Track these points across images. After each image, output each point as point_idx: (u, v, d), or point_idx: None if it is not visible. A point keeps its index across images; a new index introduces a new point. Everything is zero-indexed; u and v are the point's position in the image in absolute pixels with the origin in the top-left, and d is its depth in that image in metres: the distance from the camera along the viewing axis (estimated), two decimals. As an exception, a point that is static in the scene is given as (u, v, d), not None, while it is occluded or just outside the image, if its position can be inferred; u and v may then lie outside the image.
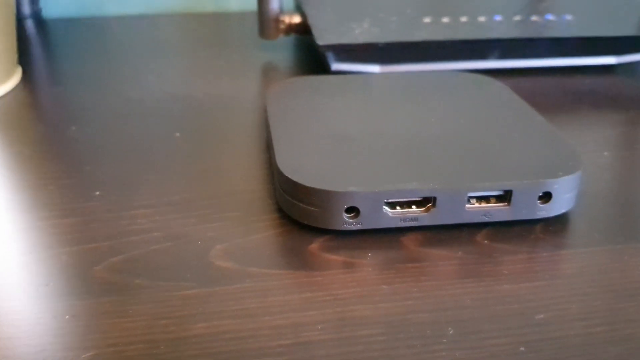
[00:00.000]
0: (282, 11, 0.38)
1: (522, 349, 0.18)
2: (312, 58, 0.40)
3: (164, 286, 0.20)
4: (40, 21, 0.48)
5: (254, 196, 0.25)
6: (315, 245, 0.22)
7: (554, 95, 0.35)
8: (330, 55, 0.35)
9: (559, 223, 0.23)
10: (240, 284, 0.20)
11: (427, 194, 0.22)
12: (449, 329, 0.19)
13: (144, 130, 0.30)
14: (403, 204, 0.22)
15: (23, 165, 0.27)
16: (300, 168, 0.23)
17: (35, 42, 0.44)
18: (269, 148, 0.28)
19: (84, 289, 0.20)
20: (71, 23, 0.47)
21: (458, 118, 0.26)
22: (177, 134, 0.30)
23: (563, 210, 0.23)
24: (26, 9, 0.47)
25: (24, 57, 0.40)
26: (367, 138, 0.25)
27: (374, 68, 0.35)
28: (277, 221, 0.24)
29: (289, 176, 0.22)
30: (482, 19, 0.38)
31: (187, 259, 0.21)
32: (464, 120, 0.26)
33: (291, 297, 0.20)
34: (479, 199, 0.22)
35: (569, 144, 0.25)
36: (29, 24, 0.47)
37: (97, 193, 0.25)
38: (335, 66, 0.35)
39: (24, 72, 0.38)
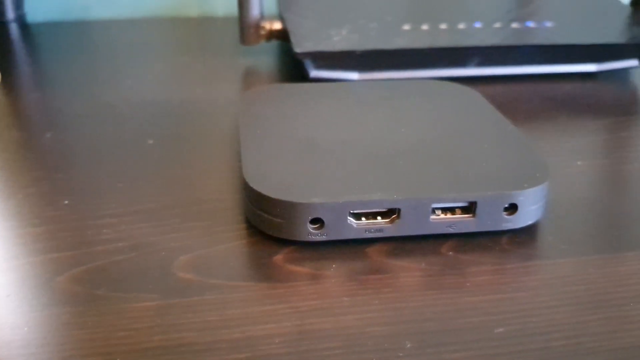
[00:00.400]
0: (262, 17, 0.38)
1: (478, 363, 0.18)
2: (292, 65, 0.39)
3: (124, 297, 0.20)
4: (24, 25, 0.48)
5: (222, 205, 0.25)
6: (280, 256, 0.22)
7: (533, 103, 0.35)
8: (308, 63, 0.35)
9: (525, 234, 0.23)
10: (201, 296, 0.20)
11: (391, 205, 0.22)
12: (407, 342, 0.19)
13: (118, 136, 0.30)
14: (368, 215, 0.22)
15: (-6, 173, 0.27)
16: (265, 179, 0.22)
17: (18, 46, 0.44)
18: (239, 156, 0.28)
19: (44, 299, 0.20)
20: (55, 27, 0.47)
21: (429, 127, 0.26)
22: (150, 141, 0.30)
23: (529, 222, 0.23)
24: (10, 13, 0.47)
25: (5, 61, 0.40)
26: (336, 147, 0.25)
27: (353, 75, 0.35)
28: (244, 231, 0.23)
29: (255, 187, 0.22)
30: (461, 26, 0.38)
31: (149, 270, 0.21)
32: (435, 130, 0.26)
33: (251, 309, 0.20)
34: (444, 210, 0.22)
35: (538, 154, 0.24)
36: (13, 28, 0.47)
37: (66, 202, 0.25)
38: (314, 73, 0.35)
39: (4, 77, 0.37)
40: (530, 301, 0.20)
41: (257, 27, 0.38)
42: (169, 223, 0.24)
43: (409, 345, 0.18)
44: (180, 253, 0.22)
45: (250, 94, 0.29)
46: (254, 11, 0.37)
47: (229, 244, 0.23)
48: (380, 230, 0.22)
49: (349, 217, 0.22)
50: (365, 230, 0.22)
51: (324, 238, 0.22)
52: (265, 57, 0.41)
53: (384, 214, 0.22)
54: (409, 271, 0.21)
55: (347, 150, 0.24)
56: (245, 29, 0.38)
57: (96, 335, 0.19)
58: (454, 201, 0.22)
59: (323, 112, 0.28)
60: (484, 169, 0.23)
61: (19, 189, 0.26)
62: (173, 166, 0.28)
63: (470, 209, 0.22)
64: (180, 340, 0.19)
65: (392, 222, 0.22)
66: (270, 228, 0.22)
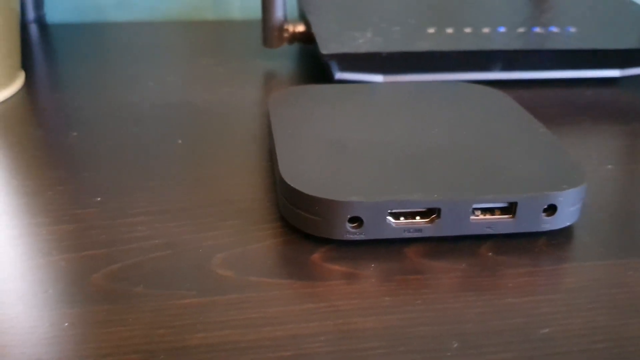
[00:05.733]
0: (286, 20, 0.38)
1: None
2: (314, 67, 0.39)
3: (163, 294, 0.20)
4: (43, 26, 0.48)
5: (254, 204, 0.25)
6: (317, 255, 0.22)
7: (557, 107, 0.35)
8: (333, 65, 0.35)
9: (562, 236, 0.23)
10: (241, 293, 0.20)
11: (432, 205, 0.22)
12: (452, 342, 0.18)
13: (144, 136, 0.30)
14: (407, 215, 0.22)
15: (23, 171, 0.27)
16: (303, 177, 0.22)
17: (39, 46, 0.44)
18: (271, 156, 0.27)
19: (81, 296, 0.20)
20: (73, 29, 0.47)
21: (462, 129, 0.26)
22: (179, 141, 0.30)
23: (567, 224, 0.23)
24: (30, 13, 0.47)
25: (26, 61, 0.40)
26: (370, 148, 0.24)
27: (377, 77, 0.35)
28: (278, 230, 0.23)
29: (292, 185, 0.22)
30: (485, 30, 0.38)
31: (187, 267, 0.21)
32: (468, 131, 0.26)
33: (292, 307, 0.20)
34: (484, 210, 0.22)
35: (573, 156, 0.24)
36: (33, 29, 0.47)
37: (98, 199, 0.25)
38: (339, 75, 0.35)
39: (27, 77, 0.37)
40: (570, 303, 0.20)
41: (281, 29, 0.38)
42: (202, 221, 0.24)
43: (455, 345, 0.18)
44: (217, 251, 0.22)
45: (278, 95, 0.29)
46: (278, 14, 0.37)
47: (265, 242, 0.23)
48: (419, 230, 0.22)
49: (387, 217, 0.22)
50: (404, 230, 0.22)
51: (362, 237, 0.22)
52: (285, 60, 0.41)
53: (422, 214, 0.22)
54: (449, 272, 0.21)
55: (381, 150, 0.24)
56: (269, 31, 0.38)
57: (136, 332, 0.18)
58: (495, 202, 0.22)
59: (354, 113, 0.27)
60: (522, 170, 0.23)
61: (48, 186, 0.26)
62: (202, 166, 0.28)
63: (510, 209, 0.22)
64: (223, 338, 0.18)
65: (431, 222, 0.22)
66: (307, 226, 0.22)
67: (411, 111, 0.28)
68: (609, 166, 0.28)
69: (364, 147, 0.24)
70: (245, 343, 0.18)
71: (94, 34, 0.46)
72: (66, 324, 0.19)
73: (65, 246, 0.22)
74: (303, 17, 0.40)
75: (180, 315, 0.19)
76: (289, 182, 0.22)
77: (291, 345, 0.18)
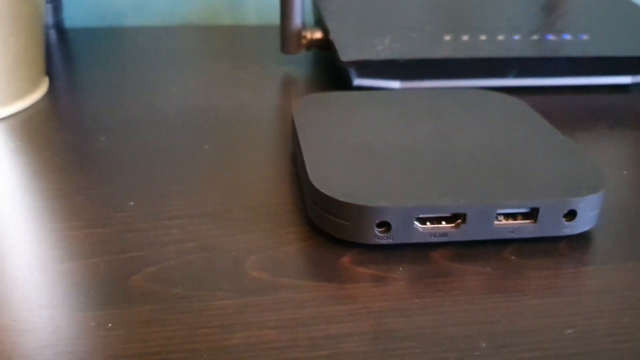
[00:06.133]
0: (304, 27, 0.39)
1: (553, 363, 0.18)
2: (331, 72, 0.40)
3: (201, 295, 0.21)
4: (62, 31, 0.48)
5: (283, 208, 0.26)
6: (346, 258, 0.23)
7: (571, 114, 0.35)
8: (352, 71, 0.35)
9: (582, 240, 0.24)
10: (276, 294, 0.21)
11: (458, 210, 0.22)
12: (482, 342, 0.19)
13: (171, 140, 0.31)
14: (433, 220, 0.23)
15: (55, 175, 0.28)
16: (332, 182, 0.23)
17: (58, 51, 0.45)
18: (295, 160, 0.28)
19: (123, 298, 0.21)
20: (92, 33, 0.48)
21: (483, 135, 0.27)
22: (206, 146, 0.30)
23: (587, 228, 0.24)
24: (49, 18, 0.48)
25: (47, 66, 0.41)
26: (395, 153, 0.25)
27: (395, 84, 0.36)
28: (307, 234, 0.24)
29: (322, 190, 0.23)
30: (500, 37, 0.39)
31: (222, 269, 0.22)
32: (489, 137, 0.27)
33: (325, 309, 0.20)
34: (507, 215, 0.23)
35: (592, 162, 0.25)
36: (52, 34, 0.47)
37: (131, 203, 0.26)
38: (357, 82, 0.36)
39: (49, 82, 0.38)
40: (594, 304, 0.21)
41: (299, 36, 0.39)
42: (234, 224, 0.24)
43: (484, 345, 0.19)
44: (250, 253, 0.23)
45: (302, 102, 0.30)
46: (296, 20, 0.38)
47: (295, 246, 0.23)
48: (445, 234, 0.23)
49: (415, 222, 0.22)
50: (431, 235, 0.23)
51: (390, 241, 0.23)
52: (302, 65, 0.42)
53: (448, 219, 0.23)
54: (475, 275, 0.22)
55: (407, 156, 0.25)
56: (287, 38, 0.39)
57: (179, 332, 0.19)
58: (518, 207, 0.23)
59: (378, 119, 0.28)
60: (543, 176, 0.24)
61: (80, 190, 0.27)
62: (228, 170, 0.28)
63: (531, 214, 0.23)
64: (261, 338, 0.19)
65: (457, 226, 0.23)
66: (336, 230, 0.23)
67: (433, 117, 0.29)
68: (625, 172, 0.29)
69: (390, 153, 0.25)
70: (283, 342, 0.19)
71: (112, 39, 0.47)
72: (110, 325, 0.19)
73: (103, 249, 0.23)
74: (320, 23, 0.41)
75: (219, 316, 0.20)
76: (318, 188, 0.23)
77: (327, 345, 0.19)
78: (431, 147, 0.26)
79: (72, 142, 0.31)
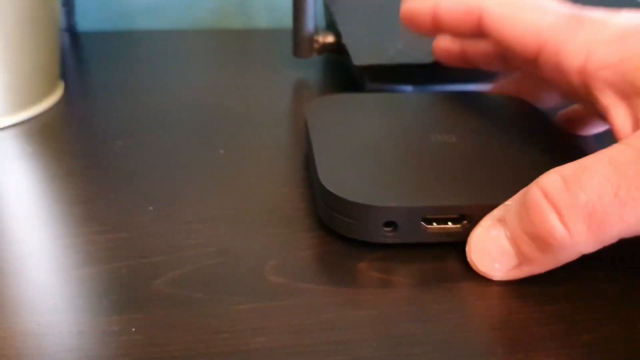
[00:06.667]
0: (316, 31, 0.39)
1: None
2: (343, 75, 0.40)
3: (222, 300, 0.21)
4: (74, 34, 0.49)
5: (298, 213, 0.26)
6: (364, 263, 0.23)
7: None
8: (365, 76, 0.36)
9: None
10: (294, 299, 0.21)
11: (464, 212, 0.23)
12: (499, 348, 0.19)
13: (187, 144, 0.31)
14: (440, 220, 0.23)
15: (73, 179, 0.28)
16: (340, 182, 0.24)
17: (71, 55, 0.45)
18: (308, 162, 0.29)
19: (145, 302, 0.21)
20: (104, 37, 0.48)
21: (493, 137, 0.27)
22: (222, 151, 0.31)
23: None
24: (62, 22, 0.48)
25: (63, 70, 0.41)
26: (405, 154, 0.26)
27: (407, 88, 0.36)
28: (323, 238, 0.24)
29: (331, 189, 0.23)
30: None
31: (242, 274, 0.22)
32: (499, 140, 0.27)
33: (343, 313, 0.21)
34: None
35: None
36: (65, 37, 0.48)
37: (150, 208, 0.26)
38: (370, 86, 0.36)
39: (64, 85, 0.39)
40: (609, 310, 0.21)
41: (311, 40, 0.39)
42: (251, 229, 0.25)
43: (500, 351, 0.19)
44: (268, 258, 0.23)
45: (315, 103, 0.30)
46: (309, 25, 0.38)
47: (313, 250, 0.24)
48: (451, 235, 0.23)
49: (421, 222, 0.23)
50: (438, 235, 0.23)
51: (397, 240, 0.23)
52: (313, 68, 0.42)
53: (454, 220, 0.23)
54: (487, 279, 0.22)
55: (416, 157, 0.26)
56: (300, 42, 0.39)
57: (201, 336, 0.20)
58: None
59: (389, 120, 0.29)
60: None
61: (99, 195, 0.27)
62: (243, 174, 0.29)
63: None
64: (281, 342, 0.19)
65: (463, 227, 0.23)
66: (344, 229, 0.23)
67: (445, 119, 0.29)
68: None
69: (400, 153, 0.26)
70: (303, 347, 0.19)
71: (124, 42, 0.47)
72: (133, 329, 0.20)
73: (125, 254, 0.23)
74: (333, 28, 0.41)
75: (240, 320, 0.20)
76: (327, 187, 0.23)
77: (346, 350, 0.19)
78: (441, 148, 0.26)
79: (89, 147, 0.31)
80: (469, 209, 0.23)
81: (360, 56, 0.36)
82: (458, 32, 0.28)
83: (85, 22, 0.50)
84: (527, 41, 0.25)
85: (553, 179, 0.21)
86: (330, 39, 0.40)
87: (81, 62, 0.45)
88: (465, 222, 0.23)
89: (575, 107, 0.32)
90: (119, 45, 0.46)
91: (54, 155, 0.31)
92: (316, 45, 0.39)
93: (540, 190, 0.21)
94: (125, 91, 0.38)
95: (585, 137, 0.32)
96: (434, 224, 0.23)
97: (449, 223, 0.23)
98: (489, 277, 0.22)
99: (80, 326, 0.20)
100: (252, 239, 0.24)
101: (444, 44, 0.32)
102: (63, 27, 0.49)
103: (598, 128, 0.32)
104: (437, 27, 0.28)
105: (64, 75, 0.40)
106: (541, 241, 0.21)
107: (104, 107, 0.36)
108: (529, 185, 0.21)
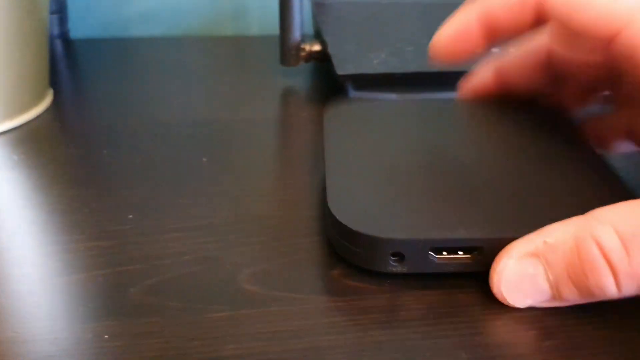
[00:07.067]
0: (303, 40, 0.40)
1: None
2: (330, 83, 0.41)
3: (197, 308, 0.21)
4: (67, 42, 0.49)
5: (279, 222, 0.26)
6: (338, 271, 0.23)
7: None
8: (348, 84, 0.36)
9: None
10: (268, 307, 0.22)
11: (474, 244, 0.22)
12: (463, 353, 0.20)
13: (172, 153, 0.32)
14: (450, 250, 0.22)
15: (57, 188, 0.29)
16: (349, 209, 0.23)
17: (63, 62, 0.46)
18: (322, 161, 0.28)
19: (120, 310, 0.21)
20: (97, 44, 0.49)
21: (513, 157, 0.26)
22: (204, 159, 0.31)
23: None
24: (55, 29, 0.49)
25: (52, 77, 0.42)
26: (419, 175, 0.25)
27: (391, 97, 0.37)
28: (300, 246, 0.25)
29: (338, 218, 0.23)
30: (495, 49, 0.39)
31: (218, 282, 0.23)
32: (519, 160, 0.26)
33: (315, 321, 0.21)
34: None
35: (627, 184, 0.24)
36: (57, 44, 0.49)
37: (130, 216, 0.26)
38: (354, 94, 0.37)
39: (54, 93, 0.39)
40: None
41: (298, 49, 0.39)
42: (230, 238, 0.25)
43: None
44: (244, 266, 0.23)
45: (334, 111, 0.30)
46: (296, 33, 0.39)
47: (289, 258, 0.24)
48: (461, 265, 0.22)
49: (429, 252, 0.22)
50: (447, 265, 0.22)
51: (404, 270, 0.22)
52: (302, 76, 0.43)
53: (465, 250, 0.22)
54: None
55: (431, 181, 0.25)
56: (286, 50, 0.39)
57: (173, 343, 0.20)
58: None
59: (408, 135, 0.28)
60: (568, 209, 0.22)
61: (82, 204, 0.27)
62: (226, 183, 0.29)
63: None
64: (252, 350, 0.20)
65: (473, 258, 0.22)
66: (352, 257, 0.23)
67: (467, 135, 0.28)
68: None
69: (414, 177, 0.25)
70: (273, 354, 0.20)
71: (116, 50, 0.48)
72: (106, 336, 0.20)
73: (103, 262, 0.24)
74: (319, 36, 0.42)
75: (213, 328, 0.21)
76: (335, 215, 0.23)
77: (316, 356, 0.20)
78: (460, 170, 0.25)
79: (73, 155, 0.32)
80: (479, 242, 0.22)
81: (344, 65, 0.36)
82: (511, 27, 0.26)
83: (79, 29, 0.51)
84: (601, 25, 0.22)
85: (610, 237, 0.19)
86: (316, 47, 0.40)
87: (74, 70, 0.45)
88: (475, 252, 0.22)
89: (603, 119, 0.29)
90: (111, 53, 0.47)
91: (40, 164, 0.31)
92: (303, 54, 0.40)
93: (597, 246, 0.19)
94: (116, 99, 0.39)
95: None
96: (444, 253, 0.22)
97: (460, 252, 0.22)
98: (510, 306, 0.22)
99: (56, 333, 0.20)
100: (230, 248, 0.25)
101: (474, 84, 0.30)
102: (56, 34, 0.49)
103: (621, 148, 0.29)
104: (489, 26, 0.26)
105: (55, 82, 0.40)
106: (587, 291, 0.20)
107: (93, 115, 0.36)
108: (580, 229, 0.20)
